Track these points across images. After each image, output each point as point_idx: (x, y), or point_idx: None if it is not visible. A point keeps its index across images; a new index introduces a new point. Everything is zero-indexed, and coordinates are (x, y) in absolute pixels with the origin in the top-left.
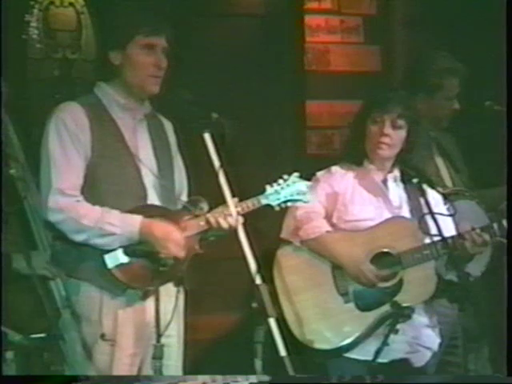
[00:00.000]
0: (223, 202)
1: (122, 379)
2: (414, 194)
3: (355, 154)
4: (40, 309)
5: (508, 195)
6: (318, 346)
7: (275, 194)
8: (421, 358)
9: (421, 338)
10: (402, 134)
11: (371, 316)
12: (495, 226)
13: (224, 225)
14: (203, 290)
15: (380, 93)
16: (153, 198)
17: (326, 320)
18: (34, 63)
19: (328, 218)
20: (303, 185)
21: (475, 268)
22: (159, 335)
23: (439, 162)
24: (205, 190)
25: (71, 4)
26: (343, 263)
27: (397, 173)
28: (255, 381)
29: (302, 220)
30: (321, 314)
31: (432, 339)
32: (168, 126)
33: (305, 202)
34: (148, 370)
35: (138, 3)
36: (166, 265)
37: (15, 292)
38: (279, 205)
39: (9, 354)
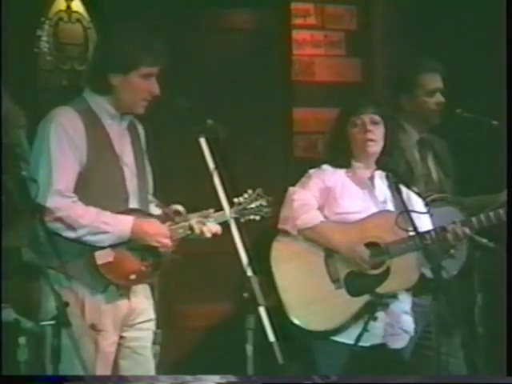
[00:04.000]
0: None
1: (113, 379)
2: (400, 191)
3: (341, 159)
4: (50, 298)
5: (508, 197)
6: (310, 327)
7: (241, 208)
8: (400, 342)
9: (400, 322)
10: (381, 128)
11: (360, 301)
12: (474, 220)
13: (206, 234)
14: (199, 281)
15: (354, 100)
16: (133, 200)
17: (318, 304)
18: (44, 74)
19: (320, 209)
20: (265, 200)
21: (452, 266)
22: (157, 323)
23: (431, 164)
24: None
25: (78, 20)
26: (339, 248)
27: (382, 171)
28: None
29: (298, 211)
30: (314, 298)
31: (409, 323)
32: (141, 132)
33: (265, 217)
34: (125, 357)
35: (143, 31)
36: (148, 262)
37: (26, 282)
38: (244, 217)
39: (21, 340)
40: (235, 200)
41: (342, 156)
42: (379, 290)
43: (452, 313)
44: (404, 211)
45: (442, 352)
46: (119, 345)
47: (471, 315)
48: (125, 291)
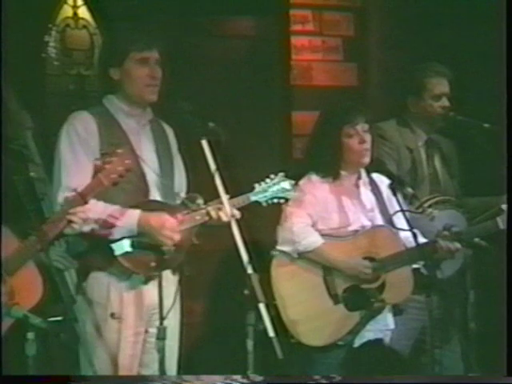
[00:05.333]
0: (216, 197)
1: (115, 379)
2: (381, 195)
3: (331, 169)
4: (57, 295)
5: (508, 199)
6: (312, 343)
7: (263, 191)
8: (387, 338)
9: (387, 325)
10: (370, 136)
11: (358, 316)
12: (465, 232)
13: (223, 218)
14: (201, 278)
15: (343, 107)
16: (154, 195)
17: (318, 320)
18: (52, 79)
19: (314, 224)
20: (288, 183)
21: (449, 267)
22: (162, 318)
23: (438, 165)
24: (201, 188)
25: (85, 26)
26: (340, 267)
27: (365, 178)
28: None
29: (299, 235)
30: (313, 314)
31: (389, 319)
32: (169, 132)
33: (288, 199)
34: (149, 350)
35: (130, 25)
36: (166, 253)
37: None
38: (266, 201)
39: (30, 335)
40: (256, 185)
41: (332, 166)
42: (376, 304)
43: (446, 309)
44: (398, 211)
45: (436, 346)
46: (144, 340)
47: (464, 311)
48: (147, 280)
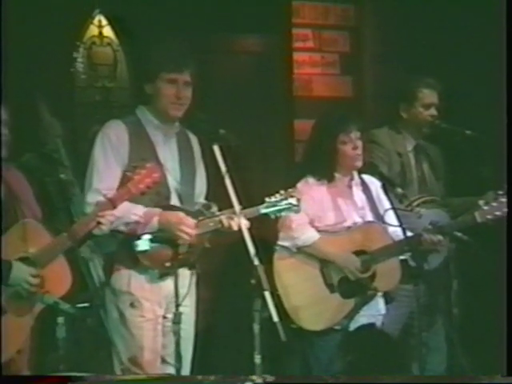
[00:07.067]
0: (229, 206)
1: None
2: (371, 194)
3: (326, 172)
4: (84, 285)
5: (508, 198)
6: (311, 327)
7: (272, 206)
8: (379, 323)
9: (379, 310)
10: (361, 142)
11: (351, 303)
12: (447, 225)
13: (234, 227)
14: (213, 269)
15: (338, 117)
16: (175, 200)
17: (315, 307)
18: (79, 90)
19: (311, 222)
20: (295, 199)
21: (435, 259)
22: (178, 305)
23: (425, 169)
24: (217, 195)
25: (109, 44)
26: (334, 260)
27: (357, 179)
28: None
29: (297, 232)
30: (312, 302)
31: (381, 305)
32: (194, 140)
33: (296, 213)
34: (167, 333)
35: (163, 47)
36: (181, 254)
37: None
38: (274, 214)
39: (60, 320)
40: (266, 199)
41: (327, 170)
42: (368, 292)
43: (432, 297)
44: (390, 208)
45: (423, 329)
46: (163, 324)
47: (448, 298)
48: (164, 275)
